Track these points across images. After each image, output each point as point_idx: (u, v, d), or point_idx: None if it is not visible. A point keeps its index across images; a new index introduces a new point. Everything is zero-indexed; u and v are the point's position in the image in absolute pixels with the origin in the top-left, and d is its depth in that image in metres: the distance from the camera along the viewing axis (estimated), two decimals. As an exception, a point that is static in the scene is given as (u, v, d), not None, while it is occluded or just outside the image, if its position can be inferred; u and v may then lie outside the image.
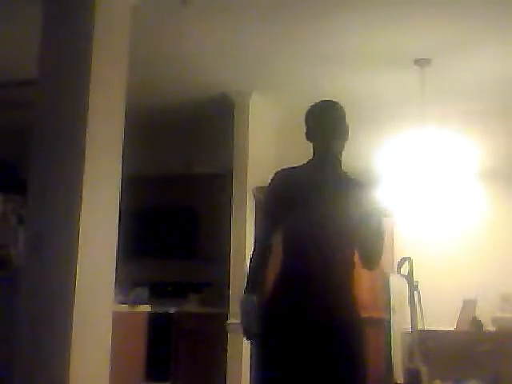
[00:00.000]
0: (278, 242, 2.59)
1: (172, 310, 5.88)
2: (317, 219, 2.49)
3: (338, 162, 2.66)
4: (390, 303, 5.60)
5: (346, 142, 2.64)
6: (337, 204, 2.52)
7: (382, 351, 5.51)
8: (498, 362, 4.88)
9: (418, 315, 4.80)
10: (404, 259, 4.92)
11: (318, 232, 2.48)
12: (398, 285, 5.46)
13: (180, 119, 6.29)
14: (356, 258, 2.56)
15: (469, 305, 5.34)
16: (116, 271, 3.47)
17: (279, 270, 2.53)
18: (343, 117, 2.67)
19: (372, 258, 2.57)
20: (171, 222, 6.40)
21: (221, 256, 5.59)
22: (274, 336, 2.46)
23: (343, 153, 2.70)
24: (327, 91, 5.62)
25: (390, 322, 5.57)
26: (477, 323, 5.34)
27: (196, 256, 6.25)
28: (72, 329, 3.09)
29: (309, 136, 2.67)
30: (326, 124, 2.63)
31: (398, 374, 5.41)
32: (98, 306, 3.31)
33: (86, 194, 3.23)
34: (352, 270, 2.54)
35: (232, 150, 5.66)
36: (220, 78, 5.44)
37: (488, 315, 5.35)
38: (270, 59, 5.04)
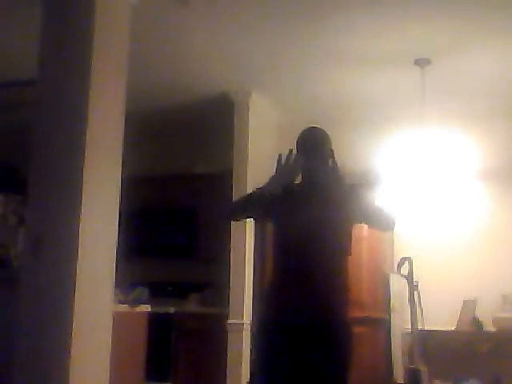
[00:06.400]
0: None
1: (172, 310, 5.88)
2: (301, 227, 2.74)
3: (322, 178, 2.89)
4: (389, 303, 5.60)
5: (329, 159, 2.88)
6: (321, 212, 2.78)
7: (381, 351, 5.51)
8: (497, 362, 4.87)
9: (418, 315, 4.80)
10: (404, 259, 4.92)
11: (302, 238, 2.73)
12: (397, 285, 5.46)
13: (180, 119, 6.29)
14: (347, 261, 2.81)
15: (469, 305, 5.34)
16: (116, 271, 3.47)
17: (271, 271, 2.81)
18: (323, 141, 2.96)
19: (381, 226, 2.98)
20: (171, 221, 6.40)
21: (221, 256, 5.59)
22: (265, 332, 2.71)
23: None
24: (327, 91, 5.65)
25: (389, 321, 5.56)
26: (477, 323, 5.33)
27: (196, 256, 6.25)
28: (72, 329, 3.09)
29: None
30: (307, 150, 2.90)
31: (398, 373, 5.41)
32: (98, 306, 3.32)
33: (86, 194, 3.23)
34: (343, 273, 2.78)
35: (232, 150, 5.66)
36: (220, 78, 5.44)
37: (488, 315, 5.35)
38: (270, 59, 5.04)
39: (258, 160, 5.66)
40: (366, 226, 2.93)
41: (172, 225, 6.39)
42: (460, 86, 5.34)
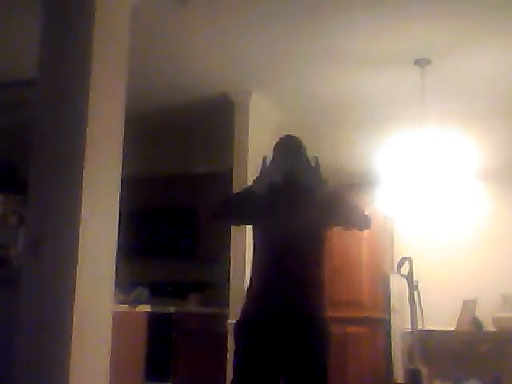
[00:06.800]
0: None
1: (172, 310, 5.88)
2: (279, 227, 2.88)
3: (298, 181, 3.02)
4: (389, 303, 5.61)
5: (306, 165, 3.03)
6: (298, 213, 2.90)
7: (381, 351, 5.51)
8: (497, 362, 4.88)
9: (418, 315, 4.80)
10: (404, 259, 4.92)
11: (280, 237, 2.85)
12: (397, 285, 5.46)
13: (180, 119, 6.29)
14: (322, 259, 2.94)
15: (469, 305, 5.34)
16: (116, 271, 3.47)
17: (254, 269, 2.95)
18: (301, 146, 3.10)
19: (358, 226, 3.03)
20: (171, 222, 6.40)
21: (221, 256, 5.58)
22: (243, 327, 2.83)
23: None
24: (327, 91, 5.65)
25: (390, 321, 5.57)
26: (477, 323, 5.33)
27: (196, 256, 6.25)
28: (72, 329, 3.09)
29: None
30: (287, 152, 3.08)
31: (398, 374, 5.41)
32: (98, 306, 3.31)
33: (86, 194, 3.23)
34: (319, 272, 2.89)
35: (232, 150, 5.66)
36: (220, 78, 5.44)
37: (488, 315, 5.35)
38: (270, 59, 5.04)
39: (258, 160, 5.63)
40: (342, 227, 3.04)
41: (172, 225, 6.40)
42: (460, 86, 5.34)
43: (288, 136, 3.16)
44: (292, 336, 2.73)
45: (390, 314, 5.58)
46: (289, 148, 3.08)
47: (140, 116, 5.21)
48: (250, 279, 2.92)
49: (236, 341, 2.83)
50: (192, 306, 6.13)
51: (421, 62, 4.90)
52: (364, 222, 3.03)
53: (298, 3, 4.13)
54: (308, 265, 2.85)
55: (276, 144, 3.14)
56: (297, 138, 3.14)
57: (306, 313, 2.78)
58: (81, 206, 3.19)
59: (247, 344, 2.79)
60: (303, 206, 2.91)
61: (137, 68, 3.93)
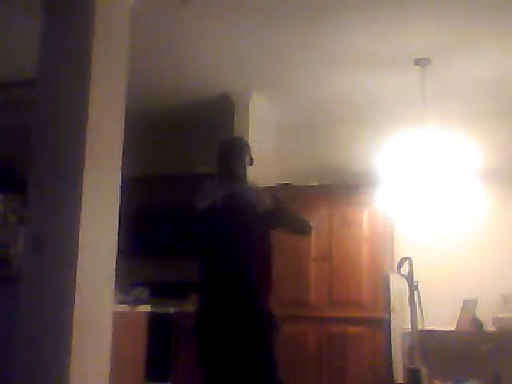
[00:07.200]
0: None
1: (172, 310, 5.87)
2: (222, 231, 3.33)
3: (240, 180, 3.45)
4: (389, 303, 5.60)
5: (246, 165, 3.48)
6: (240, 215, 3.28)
7: (381, 351, 5.50)
8: (498, 362, 4.87)
9: (418, 315, 4.80)
10: (404, 259, 4.91)
11: (224, 239, 3.33)
12: (397, 285, 5.46)
13: (180, 119, 6.29)
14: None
15: (469, 305, 5.33)
16: (116, 271, 3.47)
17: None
18: (245, 151, 3.54)
19: (298, 231, 3.46)
20: (171, 222, 6.39)
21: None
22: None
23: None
24: (327, 91, 5.65)
25: (389, 321, 5.56)
26: (477, 323, 5.33)
27: (196, 256, 6.24)
28: (72, 329, 3.09)
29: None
30: (229, 160, 3.48)
31: (398, 374, 5.40)
32: (98, 305, 3.32)
33: (86, 194, 3.23)
34: (261, 269, 3.28)
35: (232, 150, 5.66)
36: (220, 78, 5.44)
37: (488, 315, 5.34)
38: (270, 59, 5.04)
39: (258, 160, 5.64)
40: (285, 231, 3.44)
41: (172, 225, 6.38)
42: (460, 86, 5.34)
43: (230, 142, 3.54)
44: (244, 331, 3.12)
45: (390, 314, 5.57)
46: (232, 155, 3.44)
47: (140, 116, 5.21)
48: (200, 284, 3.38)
49: (198, 341, 3.32)
50: (192, 306, 6.11)
51: (421, 62, 4.90)
52: (304, 228, 3.40)
53: (298, 4, 4.13)
54: (254, 273, 3.21)
55: (219, 149, 3.47)
56: (240, 141, 3.53)
57: (253, 314, 3.16)
58: (81, 205, 3.19)
59: (210, 345, 3.31)
60: (246, 221, 3.22)
61: (137, 68, 3.93)
